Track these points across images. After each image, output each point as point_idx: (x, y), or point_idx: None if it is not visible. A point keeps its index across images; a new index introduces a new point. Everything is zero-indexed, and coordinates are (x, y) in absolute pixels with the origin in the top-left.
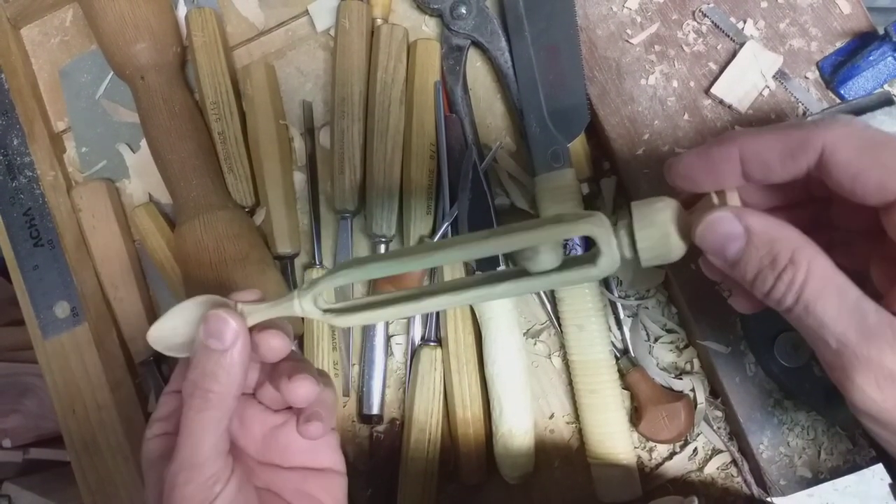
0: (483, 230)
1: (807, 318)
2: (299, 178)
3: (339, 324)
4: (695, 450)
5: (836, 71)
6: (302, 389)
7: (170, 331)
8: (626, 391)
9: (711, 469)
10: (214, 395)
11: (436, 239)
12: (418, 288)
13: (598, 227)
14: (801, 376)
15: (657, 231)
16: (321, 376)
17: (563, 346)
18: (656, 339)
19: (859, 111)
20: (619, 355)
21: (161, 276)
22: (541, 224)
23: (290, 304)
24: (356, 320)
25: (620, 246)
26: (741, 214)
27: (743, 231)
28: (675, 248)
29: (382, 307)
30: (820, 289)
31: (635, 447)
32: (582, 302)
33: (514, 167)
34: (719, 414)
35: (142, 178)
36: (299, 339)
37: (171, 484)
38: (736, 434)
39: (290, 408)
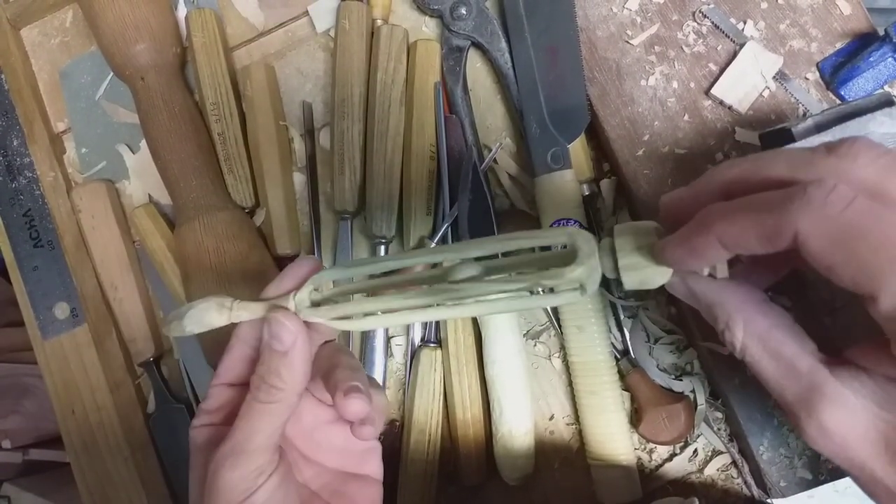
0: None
1: (755, 373)
2: (299, 178)
3: (330, 315)
4: (695, 451)
5: (836, 72)
6: (355, 406)
7: (182, 311)
8: (626, 392)
9: (711, 470)
10: (278, 391)
11: (435, 239)
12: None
13: (584, 243)
14: None
15: (641, 262)
16: (372, 383)
17: (563, 348)
18: (656, 341)
19: (859, 112)
20: (619, 356)
21: (161, 276)
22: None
23: (286, 301)
24: (349, 313)
25: (603, 266)
26: (686, 279)
27: (691, 293)
28: (658, 277)
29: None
30: (757, 353)
31: (635, 448)
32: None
33: (514, 168)
34: (719, 415)
35: (142, 179)
36: None
37: (216, 466)
38: (736, 435)
39: None
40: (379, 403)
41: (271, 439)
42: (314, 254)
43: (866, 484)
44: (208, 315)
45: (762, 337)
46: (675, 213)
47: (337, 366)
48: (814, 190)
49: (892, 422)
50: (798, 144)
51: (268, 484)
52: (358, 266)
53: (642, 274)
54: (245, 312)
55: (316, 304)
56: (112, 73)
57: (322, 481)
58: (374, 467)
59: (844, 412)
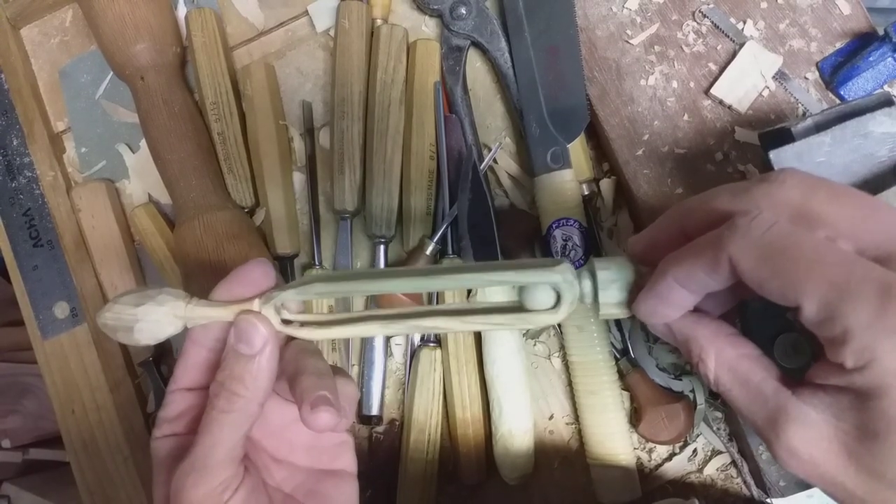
0: (463, 264)
1: (729, 402)
2: (299, 178)
3: (300, 335)
4: (694, 451)
5: (835, 71)
6: (322, 420)
7: (128, 320)
8: (625, 392)
9: (711, 470)
10: (239, 399)
11: (434, 239)
12: (392, 309)
13: (564, 275)
14: (801, 377)
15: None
16: (339, 373)
17: (562, 347)
18: (656, 340)
19: (859, 112)
20: (618, 356)
21: (161, 276)
22: (511, 266)
23: (251, 306)
24: (318, 335)
25: (583, 297)
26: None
27: (669, 331)
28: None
29: (348, 324)
30: (728, 382)
31: (635, 448)
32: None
33: (514, 168)
34: (719, 415)
35: (141, 179)
36: None
37: (178, 484)
38: (736, 435)
39: None
40: (350, 393)
41: (234, 451)
42: (314, 253)
43: (843, 500)
44: (160, 329)
45: (731, 366)
46: (644, 253)
47: (302, 371)
48: (740, 219)
49: (849, 431)
50: (798, 144)
51: (235, 499)
52: (326, 288)
53: (616, 315)
54: (202, 319)
55: (286, 322)
56: (112, 73)
57: (295, 482)
58: (347, 461)
59: (808, 429)
